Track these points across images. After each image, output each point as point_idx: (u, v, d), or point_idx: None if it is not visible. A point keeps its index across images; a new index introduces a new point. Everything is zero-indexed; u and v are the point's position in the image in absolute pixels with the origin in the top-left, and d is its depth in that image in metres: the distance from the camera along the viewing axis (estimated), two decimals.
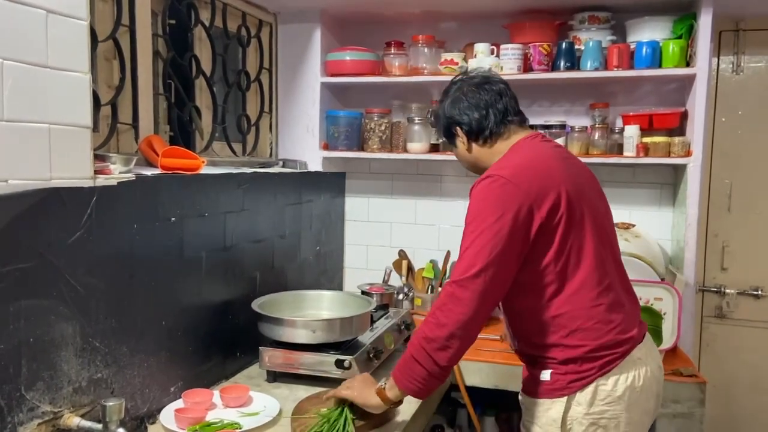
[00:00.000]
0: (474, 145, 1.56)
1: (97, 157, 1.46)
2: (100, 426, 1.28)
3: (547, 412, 1.42)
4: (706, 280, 2.63)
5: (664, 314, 2.13)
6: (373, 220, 2.86)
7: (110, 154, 1.50)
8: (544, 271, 1.39)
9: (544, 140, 1.56)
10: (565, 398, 1.40)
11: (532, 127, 2.46)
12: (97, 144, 1.67)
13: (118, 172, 1.47)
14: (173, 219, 1.62)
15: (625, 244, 2.26)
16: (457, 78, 1.62)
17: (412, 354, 1.41)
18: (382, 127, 2.59)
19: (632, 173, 2.51)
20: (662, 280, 2.26)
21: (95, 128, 1.68)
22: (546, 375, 1.42)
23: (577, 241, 1.40)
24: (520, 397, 1.55)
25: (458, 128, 1.57)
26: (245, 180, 1.98)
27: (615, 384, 1.39)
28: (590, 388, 1.39)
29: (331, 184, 2.73)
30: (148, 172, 1.59)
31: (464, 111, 1.54)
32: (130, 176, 1.47)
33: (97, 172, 1.40)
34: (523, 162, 1.44)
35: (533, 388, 1.46)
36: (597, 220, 1.46)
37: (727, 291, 2.59)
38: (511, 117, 1.54)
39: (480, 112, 1.53)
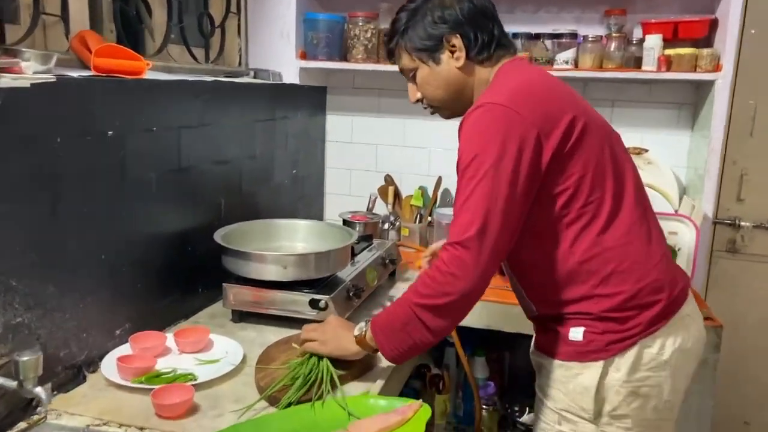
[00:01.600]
0: (469, 64, 1.25)
1: (7, 52, 1.17)
2: (14, 384, 1.05)
3: (577, 378, 1.18)
4: (720, 212, 2.40)
5: (678, 250, 1.93)
6: (357, 141, 2.57)
7: (24, 50, 1.20)
8: (562, 211, 1.14)
9: (531, 63, 1.31)
10: (602, 363, 1.15)
11: (537, 36, 2.18)
12: (17, 38, 1.36)
13: (32, 71, 1.18)
14: (110, 133, 1.33)
15: None
16: None
17: (403, 321, 1.18)
18: (368, 34, 2.27)
19: (648, 91, 2.24)
20: (675, 212, 2.05)
21: (14, 19, 1.38)
22: (578, 334, 1.17)
23: (599, 170, 1.15)
24: (534, 357, 1.32)
25: (458, 37, 1.23)
26: (205, 89, 1.69)
27: (662, 347, 1.16)
28: (633, 351, 1.15)
29: (310, 99, 2.43)
30: (76, 73, 1.29)
31: (468, 15, 1.22)
32: (48, 77, 1.18)
33: (2, 70, 1.11)
34: (519, 85, 1.17)
35: (558, 348, 1.21)
36: (613, 146, 1.22)
37: (743, 224, 2.37)
38: (506, 40, 1.28)
39: (487, 22, 1.24)
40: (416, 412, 1.14)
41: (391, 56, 1.36)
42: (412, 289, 1.17)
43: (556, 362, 1.21)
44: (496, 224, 1.08)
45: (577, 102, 1.20)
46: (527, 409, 2.19)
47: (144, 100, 1.44)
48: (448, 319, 1.16)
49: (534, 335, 1.34)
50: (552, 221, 1.15)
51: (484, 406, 2.09)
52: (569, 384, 1.19)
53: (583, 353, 1.17)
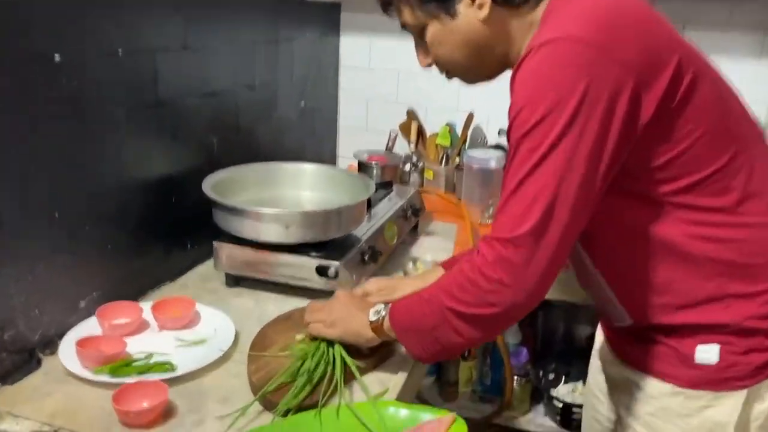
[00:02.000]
0: (499, 12, 0.89)
1: None
2: None
3: (705, 412, 0.90)
4: None
5: None
6: (376, 68, 2.24)
7: None
8: (670, 186, 0.84)
9: None
10: (745, 392, 0.88)
11: None
12: None
13: None
14: (58, 58, 1.03)
15: None
16: None
17: (431, 324, 0.91)
18: None
19: (729, 11, 1.86)
20: None
21: None
22: (710, 354, 0.87)
23: (721, 129, 0.85)
24: (615, 368, 1.03)
25: None
26: (188, 3, 1.36)
27: None
28: None
29: (321, 17, 2.08)
30: None
31: None
32: None
33: None
34: (599, 11, 0.81)
35: (672, 368, 0.92)
36: (724, 91, 0.91)
37: None
38: None
39: None
40: (449, 427, 0.89)
41: (388, 9, 1.00)
42: (445, 289, 0.89)
43: (668, 387, 0.92)
44: (563, 217, 0.78)
45: (678, 35, 0.87)
46: (563, 377, 1.96)
47: (104, 15, 1.12)
48: (487, 331, 0.90)
49: (609, 336, 1.07)
50: (656, 200, 0.85)
51: (515, 377, 1.86)
52: (692, 419, 0.91)
53: (719, 380, 0.88)
